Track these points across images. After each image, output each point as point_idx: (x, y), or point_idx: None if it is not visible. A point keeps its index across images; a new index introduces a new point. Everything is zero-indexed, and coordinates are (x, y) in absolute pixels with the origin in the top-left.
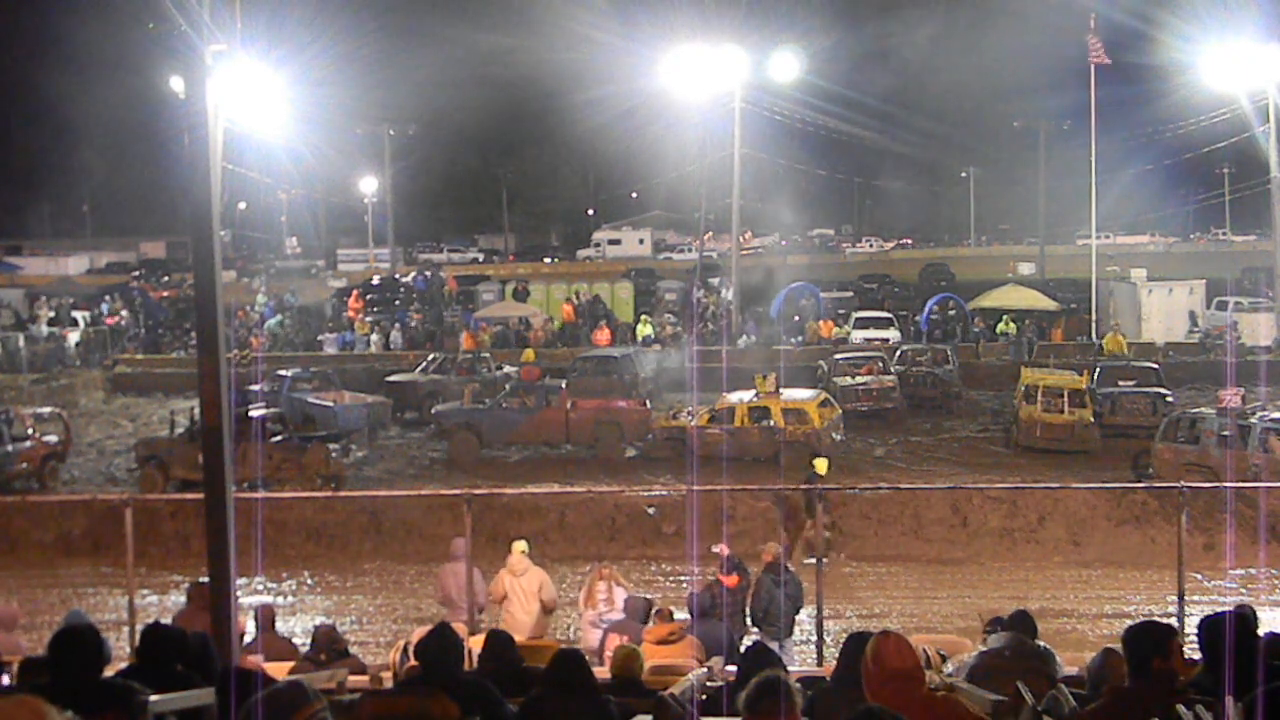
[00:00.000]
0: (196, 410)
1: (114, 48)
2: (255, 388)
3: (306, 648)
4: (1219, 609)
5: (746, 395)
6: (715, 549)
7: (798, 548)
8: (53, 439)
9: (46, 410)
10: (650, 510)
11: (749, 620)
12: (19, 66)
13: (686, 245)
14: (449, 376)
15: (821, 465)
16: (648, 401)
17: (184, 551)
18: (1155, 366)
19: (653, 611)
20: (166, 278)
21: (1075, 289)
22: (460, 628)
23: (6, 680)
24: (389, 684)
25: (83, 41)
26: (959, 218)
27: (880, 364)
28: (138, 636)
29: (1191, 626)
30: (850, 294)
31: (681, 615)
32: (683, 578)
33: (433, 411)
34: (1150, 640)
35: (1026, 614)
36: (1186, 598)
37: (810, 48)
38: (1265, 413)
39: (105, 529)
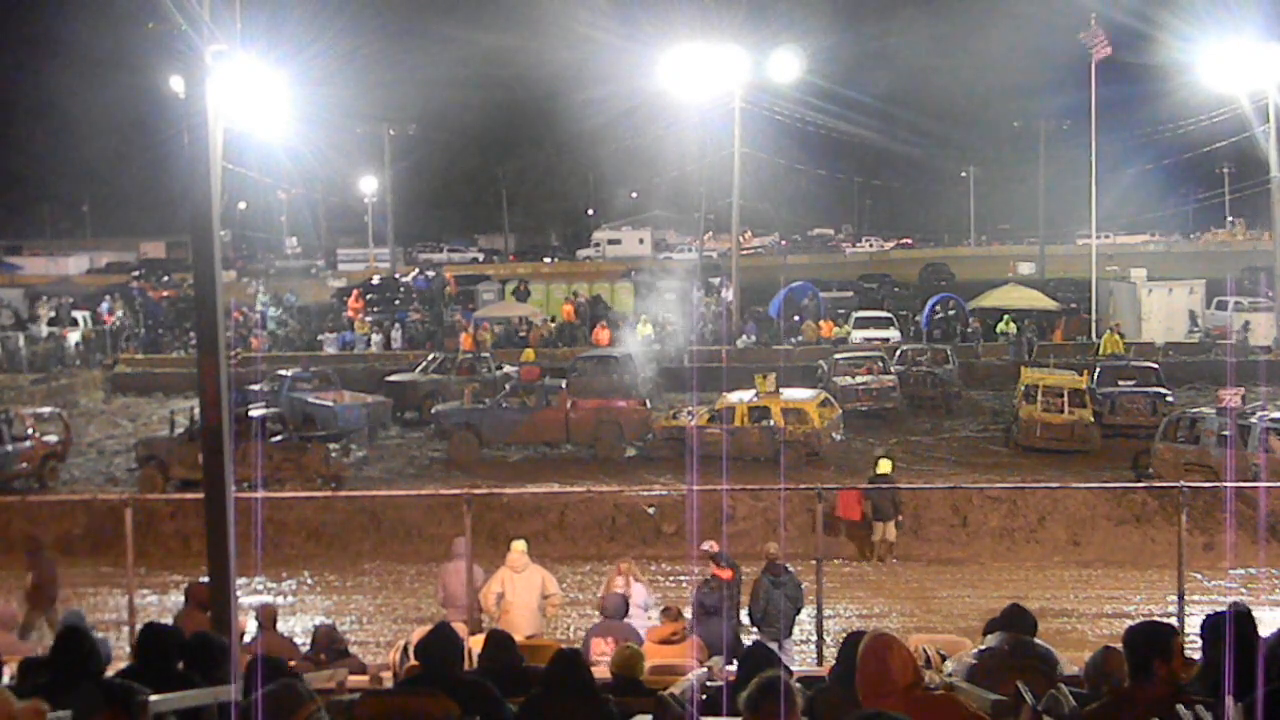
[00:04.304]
0: (196, 410)
1: (114, 48)
2: (255, 388)
3: (306, 648)
4: (1219, 609)
5: (746, 395)
6: (704, 547)
7: (878, 549)
8: (53, 439)
9: (46, 410)
10: (650, 510)
11: (749, 619)
12: (19, 66)
13: (686, 245)
14: (449, 376)
15: (886, 465)
16: (648, 401)
17: (184, 551)
18: (1155, 366)
19: (660, 610)
20: (166, 278)
21: (1075, 289)
22: (460, 628)
23: (7, 679)
24: (389, 684)
25: (83, 41)
26: (959, 218)
27: (880, 364)
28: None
29: (1191, 626)
30: (850, 294)
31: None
32: (683, 578)
33: (433, 411)
34: (1151, 641)
35: (1020, 608)
36: (1186, 598)
37: (810, 48)
38: (1265, 413)
39: (105, 529)
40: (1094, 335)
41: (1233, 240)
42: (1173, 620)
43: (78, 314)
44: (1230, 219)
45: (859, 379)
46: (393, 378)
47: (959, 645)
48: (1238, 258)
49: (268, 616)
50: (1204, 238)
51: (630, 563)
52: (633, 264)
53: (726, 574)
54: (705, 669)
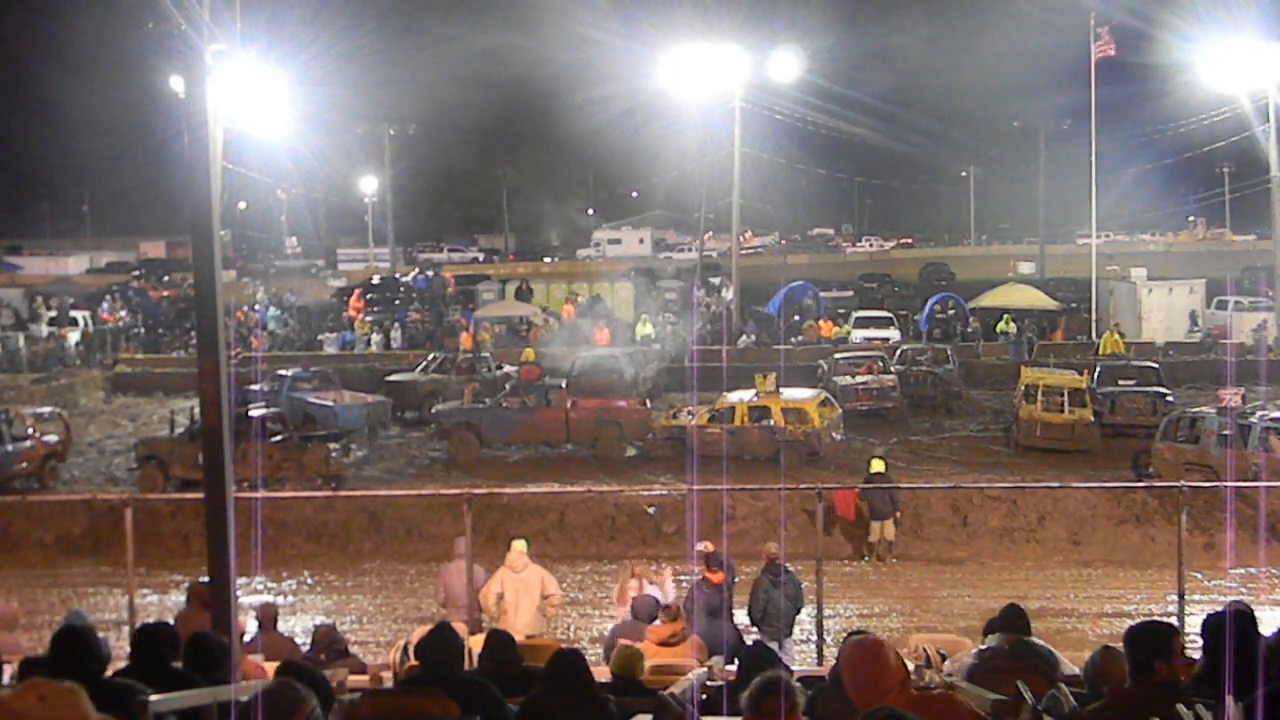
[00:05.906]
0: (196, 410)
1: (114, 48)
2: (255, 388)
3: (306, 648)
4: (1219, 608)
5: (746, 395)
6: (699, 547)
7: (876, 548)
8: (53, 439)
9: (46, 410)
10: (650, 510)
11: (748, 619)
12: (19, 66)
13: (686, 245)
14: (449, 376)
15: (879, 464)
16: (648, 401)
17: (184, 551)
18: (1155, 366)
19: (660, 610)
20: (166, 278)
21: (1075, 289)
22: (460, 628)
23: (7, 679)
24: (389, 684)
25: (83, 41)
26: (959, 218)
27: (880, 364)
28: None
29: (1191, 626)
30: (850, 294)
31: None
32: (683, 578)
33: (433, 411)
34: (1152, 640)
35: (1017, 608)
36: (1186, 597)
37: (810, 48)
38: (1265, 412)
39: (105, 529)
40: (1094, 335)
41: (1194, 240)
42: (1173, 620)
43: (78, 314)
44: (1191, 219)
45: (859, 379)
46: (393, 378)
47: (959, 645)
48: (1238, 257)
49: (268, 616)
50: (1167, 235)
51: (644, 565)
52: (633, 264)
53: (717, 577)
54: (705, 669)
